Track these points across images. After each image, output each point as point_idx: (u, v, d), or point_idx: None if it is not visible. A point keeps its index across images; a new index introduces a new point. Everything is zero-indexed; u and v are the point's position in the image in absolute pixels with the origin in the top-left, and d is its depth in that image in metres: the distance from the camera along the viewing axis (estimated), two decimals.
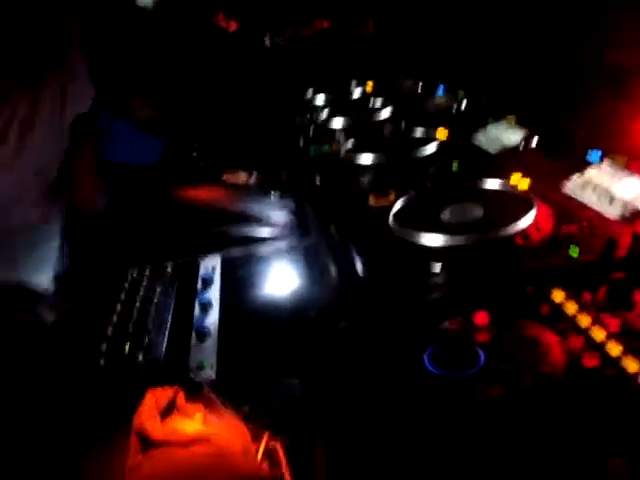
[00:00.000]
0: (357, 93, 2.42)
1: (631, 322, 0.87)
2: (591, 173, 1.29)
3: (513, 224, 1.09)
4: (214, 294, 1.43)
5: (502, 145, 1.59)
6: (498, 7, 1.94)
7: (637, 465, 0.67)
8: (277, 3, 3.06)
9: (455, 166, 1.53)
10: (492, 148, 1.61)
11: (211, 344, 1.26)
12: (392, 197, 1.37)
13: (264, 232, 1.73)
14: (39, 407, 1.12)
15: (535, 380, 0.79)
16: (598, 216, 1.16)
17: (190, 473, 0.90)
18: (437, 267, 1.07)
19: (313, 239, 1.60)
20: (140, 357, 1.25)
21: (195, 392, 1.07)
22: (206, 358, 1.21)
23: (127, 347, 1.28)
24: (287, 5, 3.05)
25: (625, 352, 0.81)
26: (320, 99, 2.42)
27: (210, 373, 1.17)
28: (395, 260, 1.13)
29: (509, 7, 1.87)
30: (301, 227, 1.72)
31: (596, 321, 0.88)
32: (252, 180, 2.19)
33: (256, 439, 0.97)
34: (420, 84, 2.34)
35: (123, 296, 1.47)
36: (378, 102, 2.22)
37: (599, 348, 0.83)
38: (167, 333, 1.32)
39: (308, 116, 2.23)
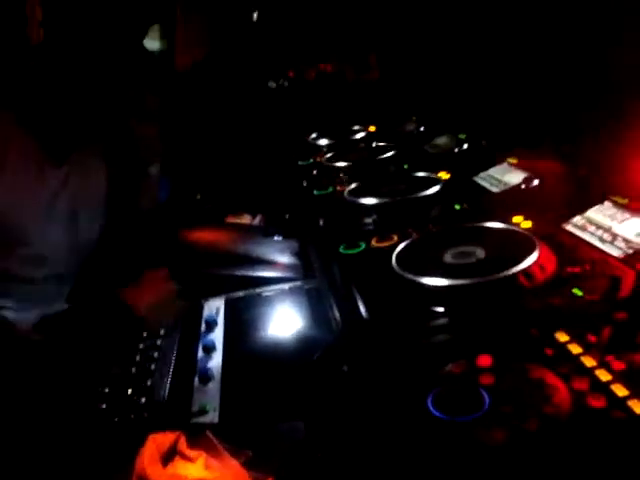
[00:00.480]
0: (360, 135, 2.45)
1: (637, 363, 0.86)
2: (593, 213, 1.30)
3: (516, 265, 1.09)
4: (218, 336, 1.43)
5: (504, 186, 1.61)
6: (497, 52, 1.98)
7: None
8: (282, 46, 3.13)
9: (457, 207, 1.54)
10: (494, 189, 1.62)
11: (214, 387, 1.26)
12: (395, 239, 1.38)
13: (268, 274, 1.73)
14: (40, 452, 1.11)
15: (540, 423, 0.78)
16: (601, 256, 1.16)
17: None
18: (440, 309, 1.07)
19: (316, 281, 1.61)
20: (142, 400, 1.24)
21: (197, 436, 1.06)
22: (209, 401, 1.21)
23: (129, 390, 1.28)
24: (291, 48, 3.12)
25: (632, 393, 0.80)
26: (323, 141, 2.45)
27: (213, 416, 1.17)
28: (398, 302, 1.12)
29: (508, 52, 1.91)
30: (304, 269, 1.73)
31: (601, 362, 0.87)
32: (256, 222, 2.20)
33: None
34: (422, 127, 2.37)
35: (127, 339, 1.47)
36: (381, 144, 2.24)
37: (605, 389, 0.82)
38: (170, 376, 1.32)
39: (311, 158, 2.26)
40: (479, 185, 1.68)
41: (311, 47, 3.14)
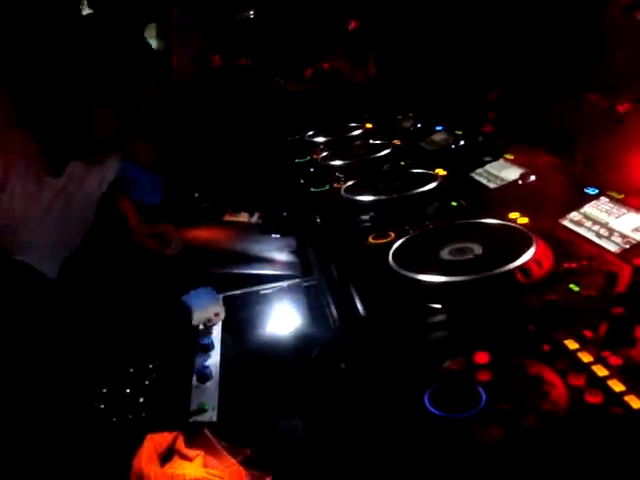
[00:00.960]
0: (357, 133, 2.45)
1: (633, 358, 0.86)
2: (590, 208, 1.30)
3: (513, 261, 1.09)
4: (215, 335, 1.43)
5: (500, 182, 1.61)
6: (493, 49, 1.98)
7: None
8: (279, 45, 3.13)
9: (454, 204, 1.54)
10: (491, 185, 1.62)
11: (212, 386, 1.26)
12: (391, 236, 1.38)
13: (265, 272, 1.73)
14: (39, 451, 1.11)
15: (537, 419, 0.78)
16: (598, 251, 1.16)
17: None
18: (437, 306, 1.07)
19: (314, 278, 1.61)
20: (141, 399, 1.24)
21: (196, 435, 1.06)
22: (207, 400, 1.21)
23: (128, 389, 1.28)
24: (289, 49, 3.12)
25: (628, 389, 0.80)
26: (320, 139, 2.45)
27: (211, 415, 1.17)
28: (395, 299, 1.12)
29: (506, 46, 1.91)
30: (302, 266, 1.73)
31: (598, 358, 0.87)
32: (253, 220, 2.20)
33: None
34: (419, 124, 2.37)
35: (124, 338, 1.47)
36: (377, 142, 2.24)
37: (602, 385, 0.82)
38: (168, 375, 1.32)
39: (308, 156, 2.26)
40: (476, 181, 1.68)
41: (308, 46, 3.14)
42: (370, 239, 1.40)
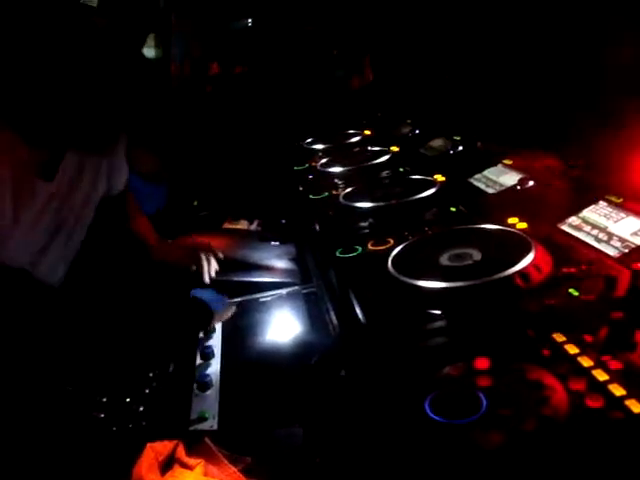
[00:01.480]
0: (355, 139, 2.46)
1: (633, 362, 0.86)
2: (589, 213, 1.30)
3: (512, 267, 1.09)
4: (216, 343, 1.43)
5: (499, 187, 1.61)
6: (492, 52, 1.98)
7: None
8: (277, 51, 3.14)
9: (453, 209, 1.54)
10: (489, 190, 1.62)
11: (213, 394, 1.26)
12: (391, 243, 1.38)
13: (265, 279, 1.73)
14: (39, 460, 1.11)
15: (538, 424, 0.78)
16: (597, 255, 1.16)
17: None
18: (437, 312, 1.07)
19: (313, 285, 1.61)
20: (141, 408, 1.24)
21: (196, 443, 1.06)
22: (208, 408, 1.21)
23: (128, 399, 1.27)
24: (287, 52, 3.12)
25: (629, 393, 0.80)
26: (319, 146, 2.45)
27: (212, 423, 1.17)
28: (395, 305, 1.12)
29: (504, 51, 1.91)
30: (301, 273, 1.73)
31: (598, 362, 0.87)
32: (253, 227, 2.20)
33: None
34: (417, 130, 2.38)
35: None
36: (376, 148, 2.25)
37: (602, 389, 0.82)
38: (168, 383, 1.32)
39: (307, 163, 2.26)
40: (474, 187, 1.68)
41: (306, 51, 3.15)
42: (369, 246, 1.40)
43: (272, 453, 1.04)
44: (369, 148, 2.30)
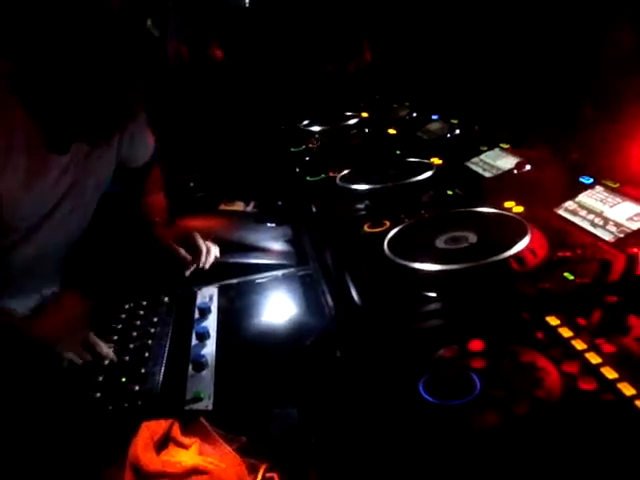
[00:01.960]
0: (353, 121, 2.45)
1: (626, 346, 0.86)
2: (585, 198, 1.30)
3: (507, 250, 1.09)
4: (211, 324, 1.43)
5: (496, 171, 1.61)
6: (490, 35, 1.97)
7: None
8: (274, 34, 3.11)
9: (450, 193, 1.54)
10: (486, 174, 1.62)
11: (208, 374, 1.26)
12: (387, 225, 1.38)
13: (261, 261, 1.73)
14: (34, 440, 1.11)
15: (531, 406, 0.79)
16: (592, 240, 1.16)
17: None
18: (432, 294, 1.07)
19: (309, 267, 1.61)
20: (136, 388, 1.24)
21: (191, 423, 1.07)
22: (203, 389, 1.21)
23: (123, 378, 1.28)
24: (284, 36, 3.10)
25: (621, 376, 0.81)
26: (316, 127, 2.44)
27: (207, 404, 1.17)
28: (390, 287, 1.13)
29: (501, 35, 1.90)
30: (297, 255, 1.73)
31: (591, 345, 0.87)
32: (249, 209, 2.20)
33: (253, 471, 0.96)
34: (414, 113, 2.37)
35: (120, 326, 1.47)
36: (373, 130, 2.24)
37: (595, 372, 0.82)
38: (164, 364, 1.32)
39: (304, 145, 2.25)
40: (471, 170, 1.68)
41: (304, 34, 3.12)
42: (365, 228, 1.40)
43: (267, 433, 1.05)
44: (366, 130, 2.29)
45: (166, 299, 1.56)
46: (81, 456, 1.05)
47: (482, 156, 1.72)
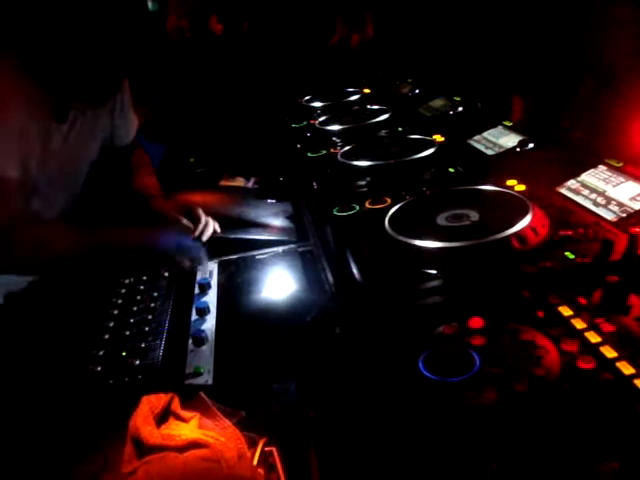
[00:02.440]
0: (354, 98, 2.43)
1: (626, 326, 0.87)
2: (587, 177, 1.29)
3: (509, 228, 1.09)
4: (211, 299, 1.43)
5: (499, 149, 1.60)
6: (494, 14, 1.95)
7: (630, 469, 0.67)
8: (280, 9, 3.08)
9: (451, 170, 1.53)
10: (489, 152, 1.61)
11: (208, 349, 1.26)
12: (388, 202, 1.38)
13: (261, 237, 1.73)
14: (34, 414, 1.12)
15: (530, 384, 0.79)
16: (594, 219, 1.16)
17: (185, 478, 0.90)
18: (433, 271, 1.07)
19: (310, 243, 1.60)
20: (137, 362, 1.24)
21: (191, 397, 1.07)
22: (203, 363, 1.21)
23: (124, 352, 1.28)
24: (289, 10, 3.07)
25: (620, 355, 0.81)
26: (317, 103, 2.42)
27: (207, 378, 1.17)
28: (391, 264, 1.12)
29: (504, 14, 1.88)
30: (298, 231, 1.73)
31: (591, 325, 0.88)
32: (249, 185, 2.19)
33: (252, 445, 0.97)
34: (417, 89, 2.35)
35: (120, 301, 1.47)
36: (375, 107, 2.22)
37: (594, 351, 0.83)
38: (164, 338, 1.32)
39: (305, 121, 2.24)
40: (474, 148, 1.67)
41: (306, 9, 3.09)
42: (367, 204, 1.40)
43: (266, 407, 1.05)
44: (368, 107, 2.27)
45: (166, 274, 1.56)
46: (82, 430, 1.06)
47: (484, 134, 1.71)
